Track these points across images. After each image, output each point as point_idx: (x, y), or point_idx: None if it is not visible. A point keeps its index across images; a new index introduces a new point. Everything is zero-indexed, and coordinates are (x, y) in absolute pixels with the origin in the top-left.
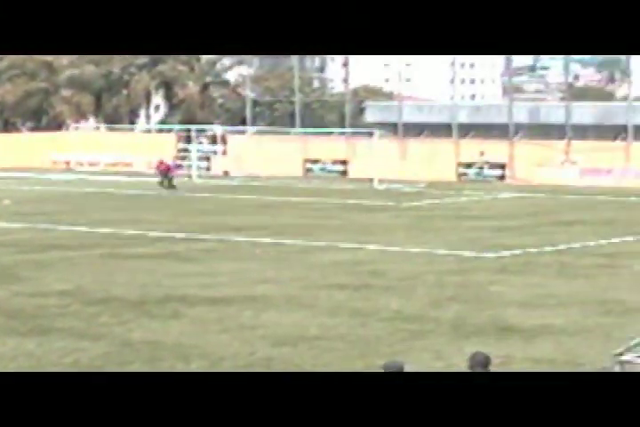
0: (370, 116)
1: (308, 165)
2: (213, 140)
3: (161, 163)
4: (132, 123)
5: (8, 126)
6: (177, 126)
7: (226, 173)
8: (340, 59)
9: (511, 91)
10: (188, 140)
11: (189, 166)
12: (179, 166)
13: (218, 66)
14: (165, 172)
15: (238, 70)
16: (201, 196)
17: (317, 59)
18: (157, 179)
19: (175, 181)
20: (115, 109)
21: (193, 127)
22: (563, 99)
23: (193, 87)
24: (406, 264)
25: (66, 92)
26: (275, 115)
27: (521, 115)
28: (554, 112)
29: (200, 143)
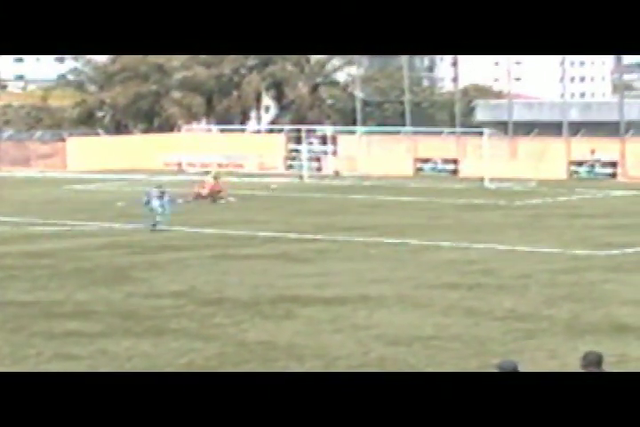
0: (480, 114)
1: (419, 165)
2: (323, 140)
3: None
4: (243, 124)
5: (120, 128)
6: (287, 127)
7: (337, 174)
8: (449, 58)
9: (622, 88)
10: (298, 140)
11: (300, 167)
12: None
13: (328, 66)
14: (216, 193)
15: (348, 70)
16: (312, 196)
17: (426, 58)
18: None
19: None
20: (226, 111)
21: (303, 128)
22: None
23: (303, 88)
24: (518, 263)
25: (177, 94)
26: (385, 114)
27: (632, 112)
28: None
29: (310, 144)
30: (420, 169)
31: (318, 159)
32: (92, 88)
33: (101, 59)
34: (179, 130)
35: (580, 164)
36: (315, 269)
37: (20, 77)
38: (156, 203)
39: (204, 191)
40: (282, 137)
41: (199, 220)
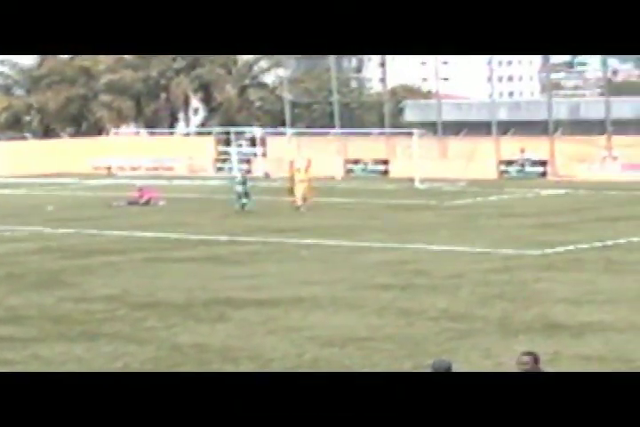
0: (409, 115)
1: (349, 166)
2: (253, 142)
3: (140, 190)
4: (172, 126)
5: (48, 132)
6: (216, 129)
7: (266, 175)
8: (376, 59)
9: (550, 87)
10: (228, 142)
11: (230, 169)
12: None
13: (255, 68)
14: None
15: (275, 72)
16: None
17: (354, 59)
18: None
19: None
20: (154, 114)
21: (232, 130)
22: (602, 94)
23: (231, 90)
24: (451, 263)
25: (105, 98)
26: (313, 116)
27: (561, 111)
28: (593, 108)
29: (239, 146)
30: (350, 170)
31: (248, 161)
32: (19, 92)
33: (27, 62)
34: (107, 133)
35: (509, 163)
36: (247, 271)
37: None
38: (239, 188)
39: None
40: (211, 139)
41: (129, 223)
